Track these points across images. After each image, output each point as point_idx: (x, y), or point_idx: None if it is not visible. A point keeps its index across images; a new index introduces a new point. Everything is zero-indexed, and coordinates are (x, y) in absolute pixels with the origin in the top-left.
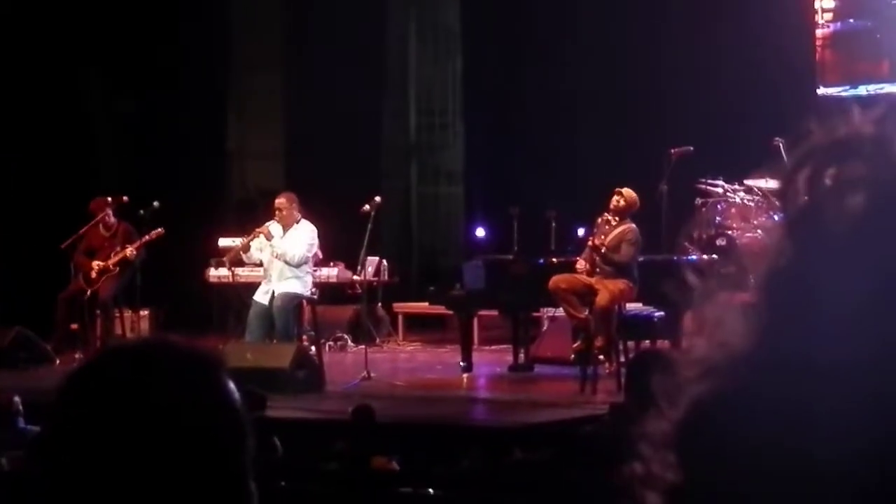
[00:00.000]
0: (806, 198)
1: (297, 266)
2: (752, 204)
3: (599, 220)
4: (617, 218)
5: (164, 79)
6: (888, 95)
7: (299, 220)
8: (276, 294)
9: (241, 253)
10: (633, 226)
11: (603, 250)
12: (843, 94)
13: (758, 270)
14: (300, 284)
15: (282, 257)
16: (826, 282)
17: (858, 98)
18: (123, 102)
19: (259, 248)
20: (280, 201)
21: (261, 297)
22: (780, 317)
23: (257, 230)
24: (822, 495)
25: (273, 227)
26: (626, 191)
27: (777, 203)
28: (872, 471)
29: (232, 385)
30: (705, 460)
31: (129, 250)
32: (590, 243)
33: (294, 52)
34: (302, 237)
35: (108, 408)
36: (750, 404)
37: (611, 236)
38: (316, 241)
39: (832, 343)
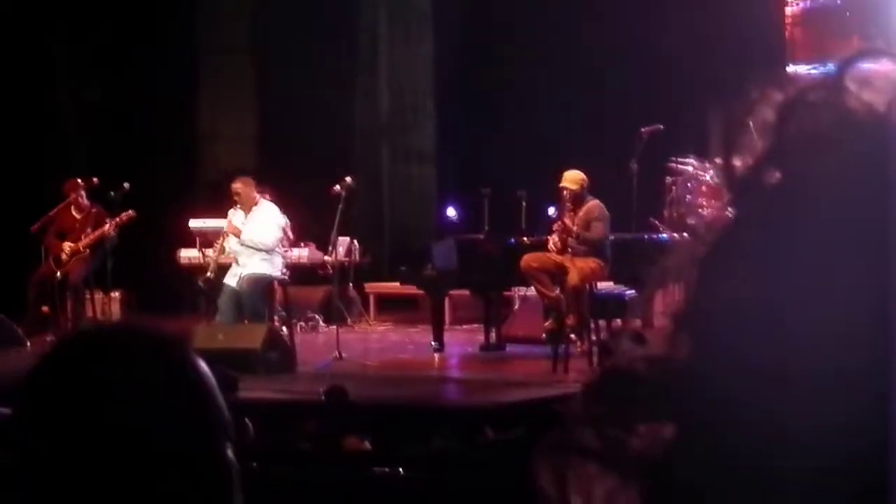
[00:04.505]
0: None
1: (271, 250)
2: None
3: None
4: (577, 204)
5: (135, 61)
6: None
7: (258, 202)
8: (244, 277)
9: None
10: (597, 202)
11: (574, 231)
12: (813, 71)
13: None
14: (269, 266)
15: (254, 246)
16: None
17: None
18: (93, 84)
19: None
20: (236, 186)
21: (231, 279)
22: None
23: (224, 232)
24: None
25: (235, 218)
26: (567, 175)
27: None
28: (855, 482)
29: (203, 364)
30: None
31: (108, 227)
32: (558, 225)
33: (265, 33)
34: (267, 218)
35: (77, 393)
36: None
37: (577, 217)
38: (282, 219)
39: (807, 346)
